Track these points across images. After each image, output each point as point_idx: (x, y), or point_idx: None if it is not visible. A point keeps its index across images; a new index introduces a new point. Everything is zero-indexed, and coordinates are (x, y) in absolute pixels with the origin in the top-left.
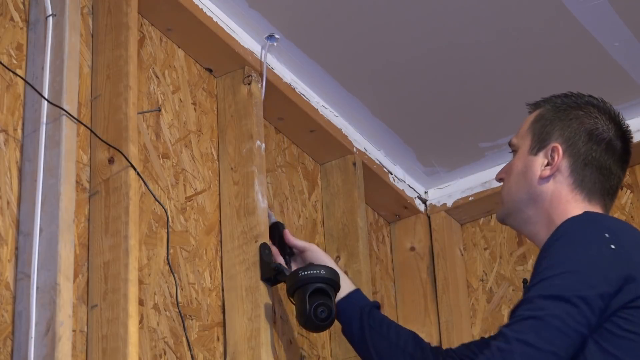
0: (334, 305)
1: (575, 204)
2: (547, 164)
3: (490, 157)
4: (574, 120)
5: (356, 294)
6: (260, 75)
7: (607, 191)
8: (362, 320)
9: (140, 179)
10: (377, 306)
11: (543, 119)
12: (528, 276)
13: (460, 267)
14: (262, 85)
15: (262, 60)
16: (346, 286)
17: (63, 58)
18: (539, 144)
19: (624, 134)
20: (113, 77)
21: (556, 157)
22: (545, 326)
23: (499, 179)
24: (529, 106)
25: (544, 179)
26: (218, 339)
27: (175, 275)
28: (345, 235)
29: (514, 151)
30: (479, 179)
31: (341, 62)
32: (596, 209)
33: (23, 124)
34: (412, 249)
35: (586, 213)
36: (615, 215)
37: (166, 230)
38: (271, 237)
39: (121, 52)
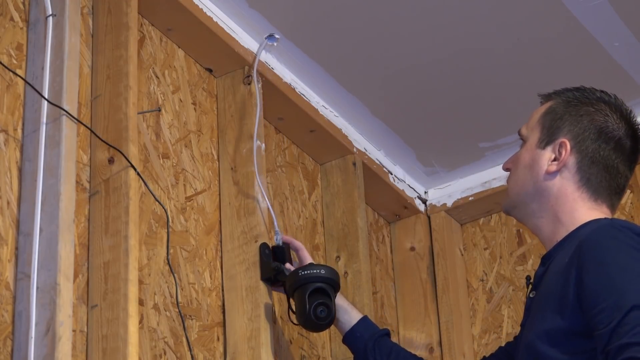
0: (334, 305)
1: (582, 202)
2: (554, 159)
3: (490, 157)
4: (585, 117)
5: (361, 325)
6: (259, 74)
7: (613, 190)
8: (367, 354)
9: (140, 179)
10: (385, 334)
11: (553, 112)
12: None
13: (460, 267)
14: (254, 77)
15: (257, 56)
16: (351, 318)
17: (63, 58)
18: (547, 137)
19: (635, 133)
20: (113, 77)
21: (563, 153)
22: None
23: (505, 168)
24: (541, 97)
25: (550, 174)
26: (218, 339)
27: (175, 275)
28: (345, 235)
29: (524, 141)
30: (479, 179)
31: (341, 62)
32: (602, 208)
33: (23, 124)
34: (412, 249)
35: (610, 219)
36: (615, 216)
37: (166, 230)
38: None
39: (121, 52)
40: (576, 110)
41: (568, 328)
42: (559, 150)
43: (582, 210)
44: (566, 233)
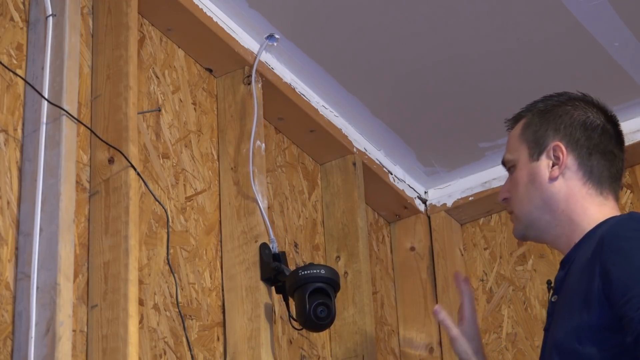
0: (334, 305)
1: (591, 199)
2: (553, 165)
3: (490, 157)
4: (564, 116)
5: None
6: (259, 74)
7: (614, 176)
8: None
9: (140, 179)
10: None
11: (532, 125)
12: (528, 276)
13: (460, 267)
14: (253, 76)
15: (257, 56)
16: None
17: (63, 58)
18: (537, 148)
19: (612, 118)
20: (113, 77)
21: (561, 155)
22: None
23: (503, 198)
24: (509, 121)
25: (553, 180)
26: (218, 339)
27: (175, 275)
28: (345, 235)
29: (512, 167)
30: (479, 179)
31: (341, 62)
32: (610, 201)
33: (23, 124)
34: (412, 249)
35: (628, 213)
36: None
37: (166, 230)
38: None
39: (121, 52)
40: (553, 114)
41: (595, 323)
42: (554, 155)
43: (594, 207)
44: (582, 233)
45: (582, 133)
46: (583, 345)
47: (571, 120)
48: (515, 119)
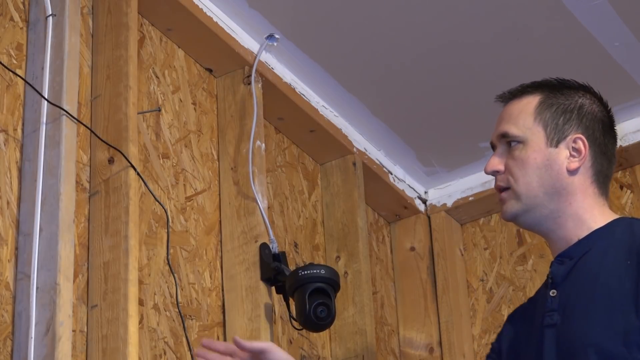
0: (334, 305)
1: (596, 198)
2: (572, 156)
3: (490, 157)
4: (586, 108)
5: None
6: (259, 74)
7: (609, 177)
8: None
9: (140, 179)
10: None
11: (550, 108)
12: (528, 276)
13: (460, 267)
14: (252, 76)
15: (257, 56)
16: None
17: (63, 58)
18: (557, 135)
19: (613, 120)
20: (113, 77)
21: (583, 149)
22: None
23: (494, 171)
24: (509, 93)
25: (572, 172)
26: (218, 339)
27: (175, 275)
28: (345, 235)
29: (517, 143)
30: (479, 179)
31: (341, 62)
32: (606, 201)
33: (23, 124)
34: (412, 249)
35: None
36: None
37: (166, 230)
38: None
39: (121, 52)
40: (574, 104)
41: None
42: (574, 147)
43: (598, 207)
44: (588, 231)
45: (600, 132)
46: (631, 350)
47: (593, 115)
48: (521, 92)
